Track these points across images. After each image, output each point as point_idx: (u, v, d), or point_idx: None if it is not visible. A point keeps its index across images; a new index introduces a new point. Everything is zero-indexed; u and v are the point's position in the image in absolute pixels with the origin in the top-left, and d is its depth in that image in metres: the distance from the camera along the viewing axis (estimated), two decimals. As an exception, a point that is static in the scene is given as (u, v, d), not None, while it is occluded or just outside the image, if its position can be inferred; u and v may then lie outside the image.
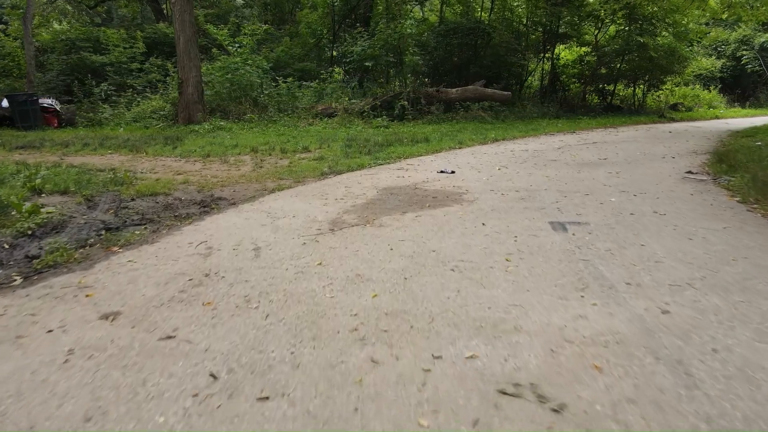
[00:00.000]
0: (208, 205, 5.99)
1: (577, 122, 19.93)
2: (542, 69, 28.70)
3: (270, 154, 10.42)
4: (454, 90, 19.72)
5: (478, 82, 20.57)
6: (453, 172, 8.08)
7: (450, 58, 24.61)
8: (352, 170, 8.52)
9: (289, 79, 18.81)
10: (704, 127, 19.06)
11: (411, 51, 19.04)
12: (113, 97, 18.18)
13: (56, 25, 23.67)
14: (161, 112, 16.14)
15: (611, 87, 28.87)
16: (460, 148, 11.86)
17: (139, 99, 17.65)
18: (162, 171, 8.51)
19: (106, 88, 17.91)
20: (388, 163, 9.35)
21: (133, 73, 19.18)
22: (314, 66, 24.07)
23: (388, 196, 6.33)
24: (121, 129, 14.82)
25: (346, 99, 18.08)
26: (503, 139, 13.87)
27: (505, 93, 20.24)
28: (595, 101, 28.74)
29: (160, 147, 11.43)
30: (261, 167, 8.85)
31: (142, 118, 15.84)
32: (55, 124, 16.69)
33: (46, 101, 18.21)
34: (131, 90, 18.35)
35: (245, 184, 7.33)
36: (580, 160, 9.66)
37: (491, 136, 14.10)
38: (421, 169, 8.54)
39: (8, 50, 20.72)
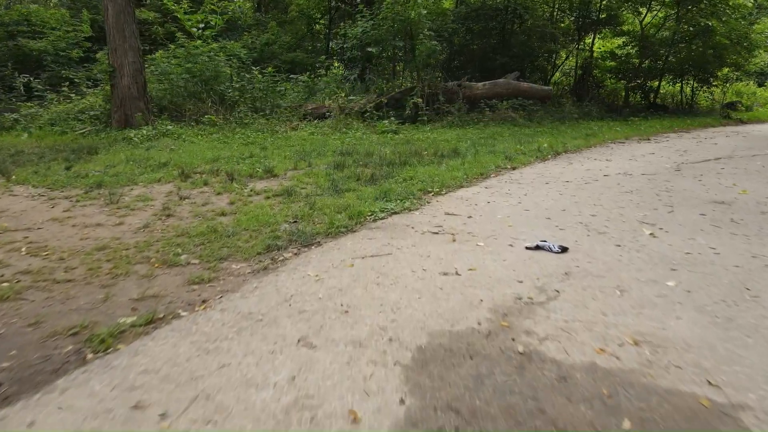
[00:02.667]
0: None
1: (636, 125, 15.67)
2: (575, 61, 24.44)
3: (206, 184, 6.22)
4: (480, 85, 15.49)
5: (510, 75, 16.32)
6: (564, 249, 3.78)
7: (469, 47, 20.37)
8: (338, 233, 4.30)
9: (269, 69, 14.56)
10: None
11: (425, 34, 14.84)
12: (46, 93, 14.00)
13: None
14: (92, 112, 11.95)
15: (655, 83, 24.55)
16: (512, 168, 7.63)
17: (73, 96, 13.45)
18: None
19: (26, 80, 13.73)
20: (409, 206, 5.11)
21: (74, 64, 15.01)
22: (306, 56, 19.87)
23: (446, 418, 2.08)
24: (26, 135, 10.64)
25: (343, 95, 13.85)
26: (564, 152, 9.63)
27: (546, 88, 16.04)
28: (636, 100, 24.42)
29: (44, 167, 7.27)
30: (165, 219, 4.65)
31: (64, 120, 11.66)
32: None
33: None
34: (69, 84, 14.14)
35: (77, 288, 3.13)
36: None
37: (543, 146, 9.85)
38: (482, 233, 4.27)
39: None
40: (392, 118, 13.13)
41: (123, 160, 7.74)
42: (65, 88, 13.68)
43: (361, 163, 7.74)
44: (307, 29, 21.35)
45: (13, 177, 6.65)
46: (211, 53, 13.18)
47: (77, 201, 5.37)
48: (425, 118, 13.98)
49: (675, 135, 13.49)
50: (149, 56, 14.26)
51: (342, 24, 18.38)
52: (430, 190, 5.76)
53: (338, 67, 14.73)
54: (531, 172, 7.19)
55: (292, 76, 16.30)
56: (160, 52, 14.02)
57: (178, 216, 4.77)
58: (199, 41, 13.32)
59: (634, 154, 9.35)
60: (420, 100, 14.02)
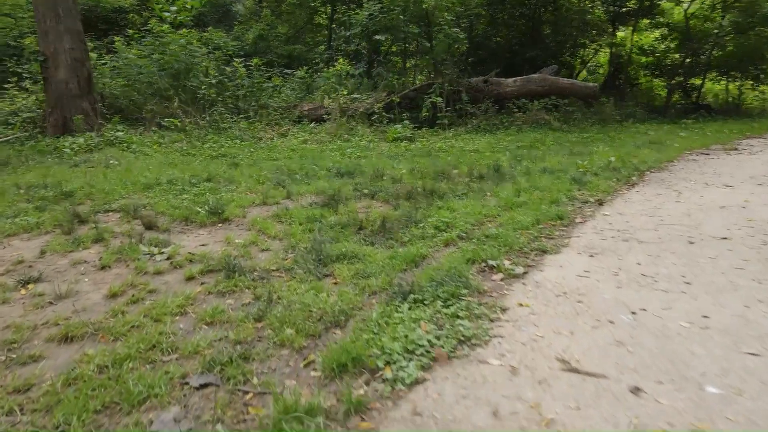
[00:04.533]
0: None
1: (696, 130, 12.98)
2: (607, 56, 21.68)
3: (97, 241, 3.62)
4: (510, 81, 12.84)
5: (546, 70, 13.64)
6: None
7: (491, 39, 17.74)
8: None
9: (254, 61, 11.98)
10: None
11: (446, 19, 12.23)
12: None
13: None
14: (26, 114, 9.41)
15: (698, 81, 21.80)
16: (597, 201, 4.97)
17: (15, 93, 10.94)
18: None
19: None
20: (464, 332, 2.41)
21: (14, 54, 12.50)
22: (305, 50, 17.29)
23: None
24: (-73, 146, 8.13)
25: (345, 92, 11.26)
26: (646, 170, 6.98)
27: (591, 85, 13.37)
28: (676, 99, 21.65)
29: None
30: None
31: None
32: None
33: None
34: (17, 80, 11.62)
35: None
36: None
37: (610, 159, 7.20)
38: None
39: None
40: (406, 122, 10.53)
41: (6, 188, 5.16)
42: (9, 85, 11.18)
43: (366, 192, 5.14)
44: (308, 20, 18.76)
45: None
46: (182, 41, 10.62)
47: None
48: (446, 121, 11.36)
49: (759, 142, 10.79)
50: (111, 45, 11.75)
51: (346, 9, 15.77)
52: (489, 260, 3.14)
53: (343, 62, 12.12)
54: (634, 213, 4.54)
55: (287, 71, 13.73)
56: (118, 38, 11.45)
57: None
58: (166, 26, 10.76)
59: (746, 172, 6.68)
60: (440, 99, 11.40)
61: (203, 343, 2.19)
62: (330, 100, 11.22)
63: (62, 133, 8.64)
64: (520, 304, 2.56)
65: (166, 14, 11.58)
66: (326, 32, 18.06)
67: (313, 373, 2.00)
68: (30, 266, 3.17)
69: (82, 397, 1.77)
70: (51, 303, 2.64)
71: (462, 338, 2.23)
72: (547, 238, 3.68)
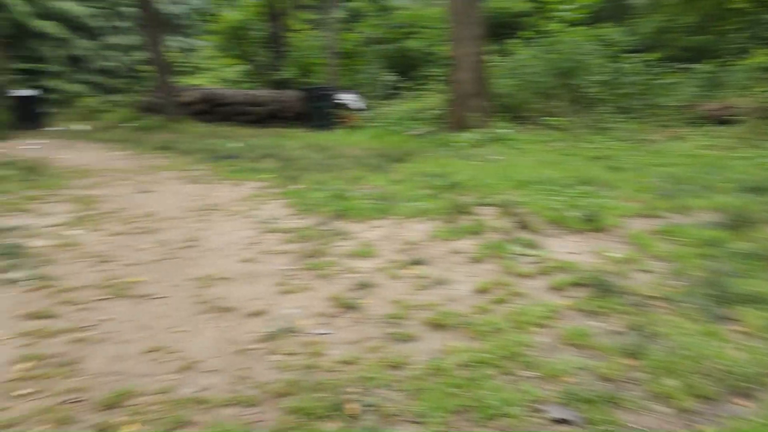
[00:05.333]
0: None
1: None
2: None
3: (475, 233, 3.79)
4: None
5: None
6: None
7: None
8: None
9: (650, 56, 10.85)
10: None
11: None
12: (403, 92, 14.03)
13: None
14: (433, 111, 10.93)
15: None
16: None
17: (426, 93, 12.91)
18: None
19: (394, 79, 13.88)
20: None
21: (428, 60, 14.65)
22: (714, 39, 14.80)
23: None
24: (363, 136, 10.29)
25: (764, 89, 9.12)
26: None
27: None
28: None
29: (333, 177, 6.17)
30: (337, 315, 2.51)
31: (404, 120, 10.99)
32: (349, 124, 13.48)
33: (347, 96, 15.50)
34: (428, 82, 13.78)
35: None
36: None
37: None
38: None
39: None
40: None
41: (409, 175, 6.02)
42: (423, 86, 13.30)
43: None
44: (718, 3, 15.97)
45: (289, 187, 5.67)
46: (573, 39, 10.47)
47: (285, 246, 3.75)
48: None
49: None
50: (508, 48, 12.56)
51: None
52: None
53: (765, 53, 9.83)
54: None
55: (688, 66, 12.03)
56: (512, 41, 12.08)
57: (357, 314, 2.56)
58: (558, 25, 10.79)
59: None
60: None
61: (565, 368, 1.97)
62: (742, 99, 9.27)
63: (458, 128, 9.67)
64: None
65: (564, 14, 11.62)
66: (744, 18, 15.00)
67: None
68: (419, 248, 3.55)
69: (441, 392, 1.79)
70: (430, 286, 2.86)
71: None
72: None
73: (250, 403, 1.79)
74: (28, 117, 14.18)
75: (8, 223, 4.10)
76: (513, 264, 3.12)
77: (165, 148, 9.19)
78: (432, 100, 11.63)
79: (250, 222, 4.37)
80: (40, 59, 24.30)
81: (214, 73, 23.70)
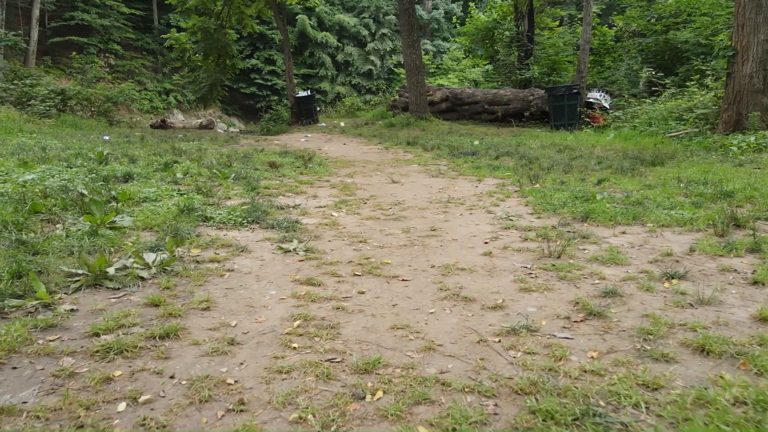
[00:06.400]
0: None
1: None
2: None
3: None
4: None
5: None
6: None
7: None
8: None
9: None
10: None
11: None
12: (664, 89, 12.54)
13: None
14: (700, 110, 9.49)
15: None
16: None
17: (695, 90, 11.29)
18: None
19: (648, 75, 12.49)
20: None
21: (702, 52, 12.72)
22: None
23: None
24: (612, 135, 9.47)
25: None
26: None
27: None
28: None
29: (619, 173, 5.87)
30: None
31: (663, 120, 9.77)
32: (595, 123, 12.78)
33: (595, 95, 14.58)
34: (699, 78, 12.05)
35: None
36: None
37: None
38: None
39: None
40: None
41: (666, 180, 5.34)
42: (690, 82, 11.67)
43: None
44: None
45: (529, 185, 5.56)
46: None
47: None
48: None
49: None
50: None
51: None
52: None
53: None
54: None
55: None
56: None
57: (602, 322, 2.36)
58: None
59: None
60: None
61: None
62: None
63: (733, 130, 8.27)
64: None
65: None
66: None
67: None
68: (677, 261, 3.13)
69: (713, 427, 1.54)
70: (691, 305, 2.50)
71: None
72: None
73: (488, 394, 1.79)
74: (302, 114, 16.74)
75: (288, 202, 4.86)
76: None
77: (411, 143, 9.84)
78: (698, 97, 10.13)
79: (490, 217, 4.40)
80: (313, 65, 28.36)
81: (459, 73, 24.57)
